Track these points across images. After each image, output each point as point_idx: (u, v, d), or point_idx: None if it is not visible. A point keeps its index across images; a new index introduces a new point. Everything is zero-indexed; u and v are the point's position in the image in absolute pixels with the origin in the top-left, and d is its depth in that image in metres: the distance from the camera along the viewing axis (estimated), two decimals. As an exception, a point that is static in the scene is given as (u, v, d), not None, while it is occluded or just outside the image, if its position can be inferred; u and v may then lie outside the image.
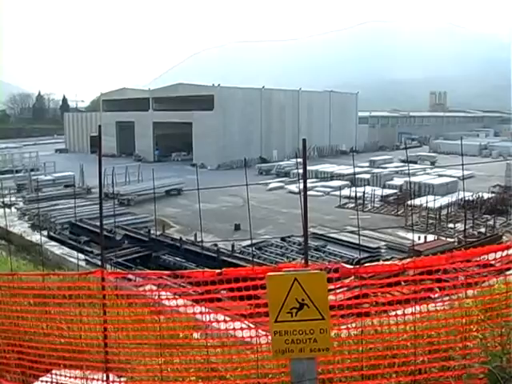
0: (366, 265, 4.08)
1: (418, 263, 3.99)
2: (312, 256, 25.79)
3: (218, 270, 4.17)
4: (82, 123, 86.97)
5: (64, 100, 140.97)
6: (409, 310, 4.36)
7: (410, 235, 29.72)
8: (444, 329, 4.29)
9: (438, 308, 4.41)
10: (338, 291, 4.33)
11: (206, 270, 4.47)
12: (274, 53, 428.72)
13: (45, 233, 31.06)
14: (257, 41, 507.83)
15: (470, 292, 4.38)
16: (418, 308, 4.39)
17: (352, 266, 4.03)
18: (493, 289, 4.31)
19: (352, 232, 28.46)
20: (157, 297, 5.00)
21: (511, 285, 4.14)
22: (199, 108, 69.53)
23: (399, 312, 4.42)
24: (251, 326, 4.57)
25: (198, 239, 27.35)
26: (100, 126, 7.44)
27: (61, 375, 5.36)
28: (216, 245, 25.58)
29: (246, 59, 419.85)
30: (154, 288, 5.07)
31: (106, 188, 37.71)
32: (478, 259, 4.27)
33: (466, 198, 37.54)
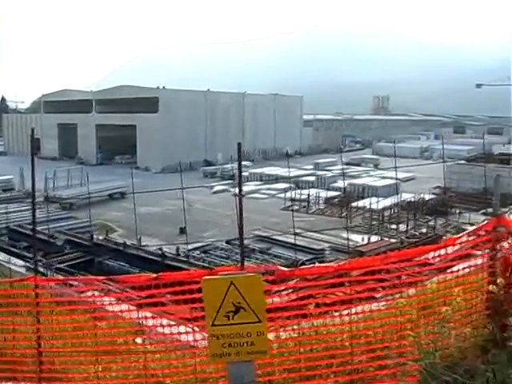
0: (302, 267, 4.10)
1: (353, 264, 4.04)
2: (257, 258, 25.87)
3: (153, 275, 4.11)
4: (21, 125, 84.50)
5: (2, 101, 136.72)
6: (349, 311, 4.41)
7: (353, 236, 30.16)
8: (381, 328, 4.35)
9: (378, 308, 4.47)
10: (282, 293, 4.34)
11: (142, 274, 4.40)
12: (220, 55, 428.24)
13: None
14: (203, 43, 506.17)
15: (409, 291, 4.47)
16: (357, 308, 4.44)
17: (288, 268, 4.04)
18: (426, 288, 4.40)
19: (297, 234, 28.67)
20: (98, 302, 4.89)
21: (443, 284, 4.24)
22: (143, 110, 68.74)
23: (339, 313, 4.46)
24: (192, 329, 4.52)
25: (142, 243, 27.04)
26: (33, 129, 7.21)
27: (-7, 388, 5.17)
28: (161, 249, 25.32)
29: (192, 61, 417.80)
30: (96, 294, 4.96)
31: (48, 192, 36.80)
32: (419, 259, 4.36)
33: (408, 200, 38.45)
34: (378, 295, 4.70)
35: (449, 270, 4.53)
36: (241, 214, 4.13)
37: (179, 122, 66.62)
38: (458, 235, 4.56)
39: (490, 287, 4.25)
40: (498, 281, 4.20)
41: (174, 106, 66.76)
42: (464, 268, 4.51)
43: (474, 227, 4.64)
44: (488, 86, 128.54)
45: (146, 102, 68.71)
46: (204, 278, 3.49)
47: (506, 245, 4.37)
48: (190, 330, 4.53)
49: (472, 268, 4.48)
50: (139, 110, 69.20)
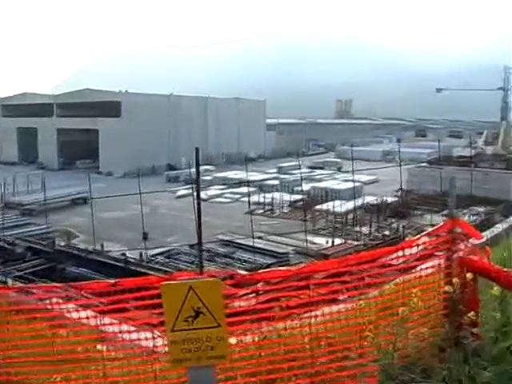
0: (261, 271, 4.12)
1: (312, 267, 4.07)
2: (221, 263, 25.87)
3: (112, 281, 4.07)
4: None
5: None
6: (312, 313, 4.44)
7: (317, 239, 30.39)
8: (341, 330, 4.40)
9: (338, 310, 4.51)
10: (249, 296, 4.35)
11: (102, 280, 4.35)
12: (183, 59, 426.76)
13: None
14: (166, 46, 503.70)
15: (370, 293, 4.53)
16: (319, 311, 4.47)
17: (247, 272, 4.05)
18: (386, 289, 4.46)
19: (260, 238, 28.77)
20: (58, 310, 4.81)
21: (401, 285, 4.31)
22: (106, 114, 68.07)
23: (302, 316, 4.49)
24: (152, 336, 4.49)
25: (106, 249, 26.78)
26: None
27: None
28: (124, 254, 25.11)
29: (155, 65, 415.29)
30: (57, 301, 4.87)
31: (7, 198, 36.10)
32: (380, 261, 4.41)
33: (371, 202, 38.93)
34: (341, 297, 4.74)
35: (408, 271, 4.60)
36: (199, 219, 4.13)
37: (142, 126, 66.15)
38: (416, 237, 4.64)
39: (446, 287, 4.34)
40: (454, 281, 4.29)
41: (137, 110, 66.27)
42: (422, 269, 4.59)
43: (431, 229, 4.73)
44: (448, 90, 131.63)
45: (109, 106, 68.05)
46: (162, 283, 3.47)
47: (461, 246, 4.47)
48: (152, 335, 4.50)
49: (430, 269, 4.57)
50: (101, 114, 68.50)
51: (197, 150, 5.24)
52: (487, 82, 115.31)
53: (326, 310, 4.50)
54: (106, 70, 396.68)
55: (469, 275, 4.26)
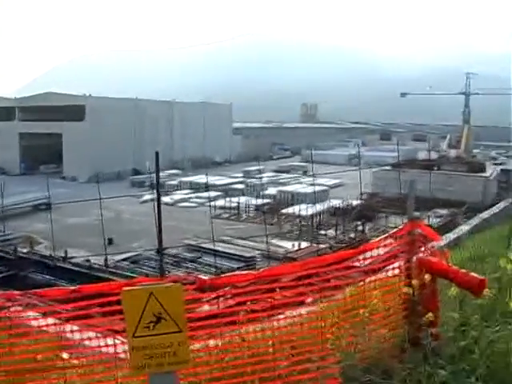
0: (223, 275, 4.12)
1: (273, 271, 4.09)
2: (187, 268, 25.76)
3: (71, 287, 4.02)
4: None
5: None
6: (276, 317, 4.45)
7: (284, 243, 30.50)
8: (302, 333, 4.42)
9: (302, 313, 4.53)
10: (218, 300, 4.34)
11: (55, 288, 4.28)
12: (148, 62, 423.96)
13: None
14: (132, 49, 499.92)
15: (333, 295, 4.56)
16: (283, 314, 4.49)
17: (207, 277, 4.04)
18: (348, 292, 4.51)
19: (226, 242, 28.75)
20: (18, 318, 4.72)
21: (363, 287, 4.36)
22: (70, 118, 67.11)
23: (266, 319, 4.50)
24: (114, 343, 4.44)
25: (69, 255, 26.39)
26: None
27: None
28: (88, 260, 24.81)
29: (121, 68, 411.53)
30: (20, 309, 4.78)
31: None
32: (344, 263, 4.45)
33: (337, 206, 39.26)
34: (309, 300, 4.76)
35: (370, 274, 4.65)
36: (159, 224, 4.10)
37: (107, 130, 65.47)
38: (377, 239, 4.69)
39: (405, 289, 4.41)
40: (413, 282, 4.36)
41: (102, 114, 65.58)
42: (382, 270, 4.65)
43: (391, 231, 4.80)
44: (412, 94, 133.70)
45: (73, 110, 67.12)
46: (123, 289, 3.45)
47: (420, 247, 4.55)
48: (115, 342, 4.46)
49: (390, 271, 4.63)
50: (65, 118, 67.51)
51: (157, 154, 5.20)
52: (450, 86, 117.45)
53: (290, 313, 4.52)
54: (71, 73, 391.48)
55: (427, 276, 4.33)
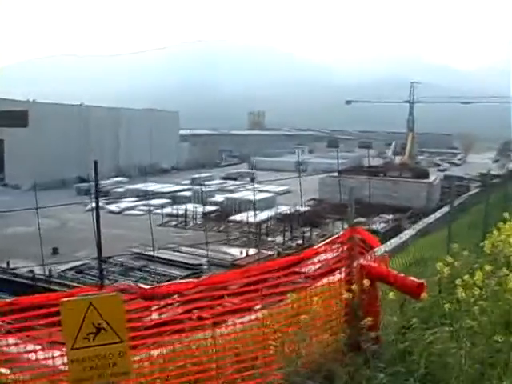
0: (164, 283, 4.10)
1: (214, 279, 4.09)
2: (135, 276, 25.44)
3: (8, 299, 3.92)
4: None
5: None
6: (223, 324, 4.44)
7: (231, 250, 30.47)
8: (246, 340, 4.43)
9: (245, 320, 4.54)
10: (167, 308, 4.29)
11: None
12: (95, 68, 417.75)
13: None
14: (77, 55, 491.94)
15: (278, 301, 4.59)
16: (229, 321, 4.48)
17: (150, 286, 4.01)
18: (291, 298, 4.54)
19: (175, 250, 28.53)
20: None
21: (305, 293, 4.40)
22: (12, 124, 65.06)
23: (212, 326, 4.48)
24: (52, 355, 4.34)
25: (12, 266, 25.66)
26: None
27: None
28: (31, 271, 24.16)
29: (65, 74, 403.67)
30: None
31: None
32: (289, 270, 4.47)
33: (284, 212, 39.50)
34: (256, 306, 4.78)
35: (312, 279, 4.70)
36: (98, 232, 4.05)
37: (51, 136, 64.00)
38: (317, 245, 4.75)
39: (346, 294, 4.48)
40: (353, 287, 4.44)
41: (46, 121, 64.01)
42: (325, 276, 4.71)
43: (332, 238, 4.87)
44: (357, 102, 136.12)
45: (15, 116, 65.17)
46: (62, 300, 3.38)
47: (360, 253, 4.64)
48: (56, 354, 4.35)
49: (332, 276, 4.70)
50: (8, 124, 65.51)
51: (95, 163, 5.13)
52: (395, 94, 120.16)
53: (232, 321, 4.52)
54: (14, 78, 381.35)
55: (366, 281, 4.41)
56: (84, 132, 69.47)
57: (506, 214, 9.46)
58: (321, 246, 4.66)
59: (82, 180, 62.98)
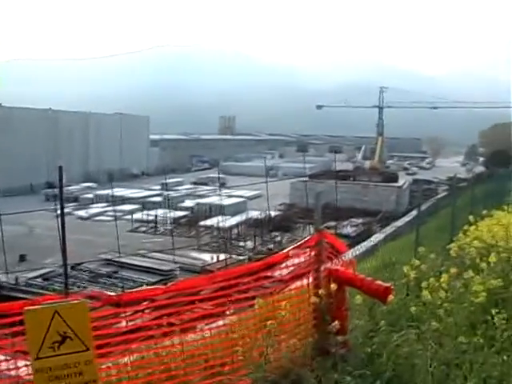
0: (129, 291, 4.07)
1: (180, 285, 4.07)
2: (105, 283, 25.16)
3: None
4: None
5: None
6: (193, 330, 4.42)
7: (202, 255, 30.35)
8: (213, 346, 4.41)
9: (212, 327, 4.52)
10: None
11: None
12: (63, 73, 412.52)
13: None
14: (44, 59, 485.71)
15: (247, 307, 4.58)
16: (198, 327, 4.46)
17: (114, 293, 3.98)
18: (259, 304, 4.54)
19: (145, 256, 28.31)
20: None
21: (271, 298, 4.41)
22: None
23: (181, 332, 4.46)
24: (16, 365, 4.27)
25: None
26: None
27: None
28: (-3, 278, 23.72)
29: (32, 78, 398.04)
30: None
31: None
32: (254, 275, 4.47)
33: (255, 217, 39.52)
34: (226, 312, 4.77)
35: (279, 284, 4.72)
36: (63, 238, 4.00)
37: (18, 141, 62.97)
38: (285, 250, 4.77)
39: (312, 298, 4.50)
40: (320, 292, 4.46)
41: (12, 125, 63.08)
42: (293, 281, 4.73)
43: (299, 243, 4.89)
44: (328, 107, 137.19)
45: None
46: (25, 308, 3.32)
47: (329, 257, 4.67)
48: (21, 364, 4.28)
49: (299, 281, 4.71)
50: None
51: (60, 169, 5.08)
52: (364, 99, 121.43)
53: (201, 327, 4.51)
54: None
55: (333, 286, 4.43)
56: (53, 137, 68.55)
57: (471, 217, 9.64)
58: (288, 251, 4.67)
59: (51, 186, 62.18)
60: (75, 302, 3.38)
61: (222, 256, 29.76)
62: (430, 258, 7.02)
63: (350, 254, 9.87)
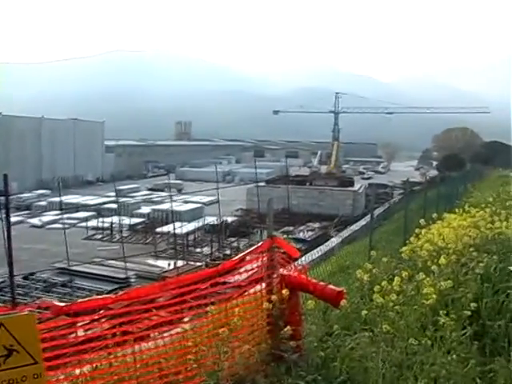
0: (80, 300, 4.00)
1: (131, 293, 4.03)
2: (59, 293, 24.69)
3: None
4: None
5: None
6: (148, 338, 4.37)
7: (159, 262, 30.08)
8: (167, 354, 4.38)
9: (171, 334, 4.49)
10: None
11: None
12: (15, 76, 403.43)
13: None
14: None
15: (200, 314, 4.55)
16: (151, 336, 4.42)
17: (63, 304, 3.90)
18: (211, 311, 4.53)
19: (101, 264, 27.91)
20: None
21: (225, 305, 4.41)
22: None
23: (135, 341, 4.40)
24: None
25: None
26: None
27: None
28: None
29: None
30: None
31: None
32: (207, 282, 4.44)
33: (212, 223, 39.40)
34: (185, 319, 4.73)
35: (235, 290, 4.71)
36: (9, 248, 3.91)
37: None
38: (237, 256, 4.76)
39: (265, 304, 4.51)
40: (273, 298, 4.47)
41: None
42: (246, 287, 4.73)
43: (251, 248, 4.89)
44: (284, 112, 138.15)
45: None
46: (-31, 322, 3.23)
47: (280, 263, 4.68)
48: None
49: (253, 287, 4.72)
50: None
51: (5, 176, 4.95)
52: (320, 105, 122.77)
53: (154, 335, 4.47)
54: None
55: (285, 291, 4.45)
56: (4, 143, 66.90)
57: (422, 221, 9.84)
58: (240, 257, 4.67)
59: (1, 193, 60.57)
60: (22, 313, 3.29)
61: (179, 262, 29.56)
62: (382, 262, 7.14)
63: (305, 259, 9.96)
